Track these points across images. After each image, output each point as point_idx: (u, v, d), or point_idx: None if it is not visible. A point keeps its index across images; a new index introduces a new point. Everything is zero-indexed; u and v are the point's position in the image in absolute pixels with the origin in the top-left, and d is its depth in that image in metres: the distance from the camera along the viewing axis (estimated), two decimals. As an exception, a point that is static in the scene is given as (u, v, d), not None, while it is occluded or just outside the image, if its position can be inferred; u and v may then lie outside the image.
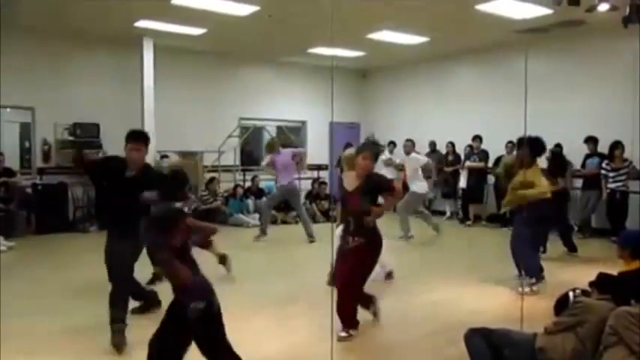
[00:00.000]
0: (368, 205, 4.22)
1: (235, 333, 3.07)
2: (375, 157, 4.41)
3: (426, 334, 4.41)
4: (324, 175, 13.01)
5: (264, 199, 10.45)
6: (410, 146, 9.25)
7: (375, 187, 4.31)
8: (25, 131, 10.59)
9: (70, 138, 10.07)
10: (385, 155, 11.99)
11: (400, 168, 9.14)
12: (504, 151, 10.01)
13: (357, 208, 4.22)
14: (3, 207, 8.81)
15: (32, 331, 4.38)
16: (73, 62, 10.28)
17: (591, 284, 3.40)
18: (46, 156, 10.08)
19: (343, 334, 4.19)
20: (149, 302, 4.70)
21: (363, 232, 4.19)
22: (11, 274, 6.63)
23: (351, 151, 5.22)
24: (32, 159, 10.28)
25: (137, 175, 4.10)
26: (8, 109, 10.43)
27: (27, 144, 10.68)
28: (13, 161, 10.00)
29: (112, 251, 4.09)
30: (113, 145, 10.25)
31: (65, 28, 9.61)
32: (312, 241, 8.55)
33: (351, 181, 4.35)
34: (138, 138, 4.16)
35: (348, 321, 4.23)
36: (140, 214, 3.93)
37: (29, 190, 9.53)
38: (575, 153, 9.16)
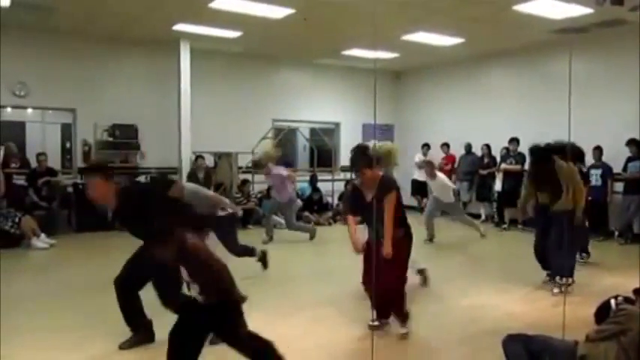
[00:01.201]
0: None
1: (272, 333, 3.10)
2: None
3: (462, 339, 4.36)
4: (357, 176, 12.97)
5: (297, 200, 10.48)
6: (429, 170, 8.75)
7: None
8: (67, 132, 10.89)
9: (110, 139, 10.33)
10: (419, 157, 11.95)
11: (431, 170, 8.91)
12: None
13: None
14: (46, 205, 9.11)
15: (56, 325, 4.52)
16: (112, 65, 10.52)
17: (635, 291, 3.31)
18: (87, 156, 10.33)
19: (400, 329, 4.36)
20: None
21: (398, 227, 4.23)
22: (51, 270, 6.88)
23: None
24: (73, 159, 10.57)
25: None
26: (50, 111, 10.75)
27: (68, 144, 10.98)
28: (55, 161, 10.30)
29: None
30: (151, 145, 10.55)
31: (105, 31, 9.85)
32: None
33: (366, 190, 4.31)
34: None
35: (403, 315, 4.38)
36: None
37: (70, 190, 9.79)
38: (617, 156, 8.93)
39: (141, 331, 4.07)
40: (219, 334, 3.11)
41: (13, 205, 8.35)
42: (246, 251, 6.28)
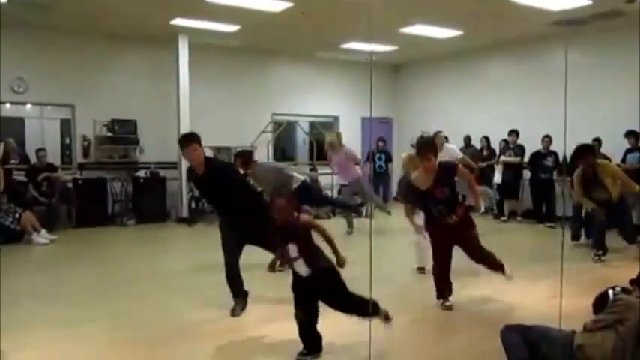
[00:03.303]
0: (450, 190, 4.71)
1: (272, 325, 3.12)
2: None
3: (461, 329, 4.40)
4: (356, 170, 12.98)
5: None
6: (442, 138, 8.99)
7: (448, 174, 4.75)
8: (66, 128, 10.91)
9: (109, 134, 10.34)
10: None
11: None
12: (540, 146, 9.83)
13: (444, 198, 4.66)
14: (45, 201, 9.14)
15: (57, 320, 4.53)
16: (111, 60, 10.53)
17: (632, 282, 3.34)
18: (86, 152, 10.37)
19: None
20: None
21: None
22: (52, 266, 6.91)
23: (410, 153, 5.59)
24: (72, 155, 10.59)
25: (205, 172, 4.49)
26: (49, 107, 10.77)
27: (67, 140, 11.00)
28: (54, 157, 10.33)
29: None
30: (150, 140, 10.56)
31: (103, 27, 9.84)
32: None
33: (422, 180, 4.70)
34: (189, 140, 4.45)
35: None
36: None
37: (70, 185, 9.81)
38: (615, 148, 8.94)
39: (241, 296, 4.60)
40: (325, 298, 3.55)
41: (14, 201, 8.36)
42: None
